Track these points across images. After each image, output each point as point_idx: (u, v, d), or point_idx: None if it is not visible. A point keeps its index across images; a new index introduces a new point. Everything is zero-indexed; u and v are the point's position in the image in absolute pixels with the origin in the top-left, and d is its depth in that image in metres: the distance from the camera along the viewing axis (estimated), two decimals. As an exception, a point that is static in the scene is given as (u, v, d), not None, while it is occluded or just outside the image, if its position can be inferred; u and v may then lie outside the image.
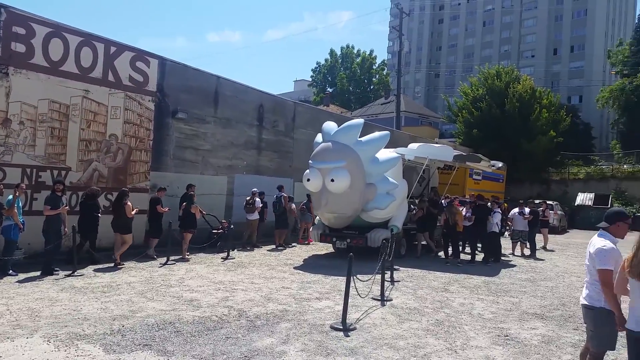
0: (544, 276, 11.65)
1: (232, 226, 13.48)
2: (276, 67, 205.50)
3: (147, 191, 13.16)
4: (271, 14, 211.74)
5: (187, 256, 12.08)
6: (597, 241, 4.30)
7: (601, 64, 66.95)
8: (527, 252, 15.63)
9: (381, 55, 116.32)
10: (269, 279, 9.76)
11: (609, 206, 28.01)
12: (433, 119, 55.95)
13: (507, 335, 6.41)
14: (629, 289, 3.83)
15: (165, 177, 13.76)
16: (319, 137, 13.17)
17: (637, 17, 56.11)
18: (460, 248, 14.43)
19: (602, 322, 4.21)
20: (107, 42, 12.53)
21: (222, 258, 12.23)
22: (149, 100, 13.45)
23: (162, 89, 13.81)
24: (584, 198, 31.96)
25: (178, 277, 9.59)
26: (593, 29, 70.33)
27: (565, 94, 64.87)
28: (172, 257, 11.49)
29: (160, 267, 10.74)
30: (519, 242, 15.79)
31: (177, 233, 12.27)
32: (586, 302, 4.35)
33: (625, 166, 36.11)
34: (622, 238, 4.36)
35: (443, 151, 14.23)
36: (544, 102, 34.28)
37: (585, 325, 4.58)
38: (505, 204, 19.59)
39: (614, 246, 4.18)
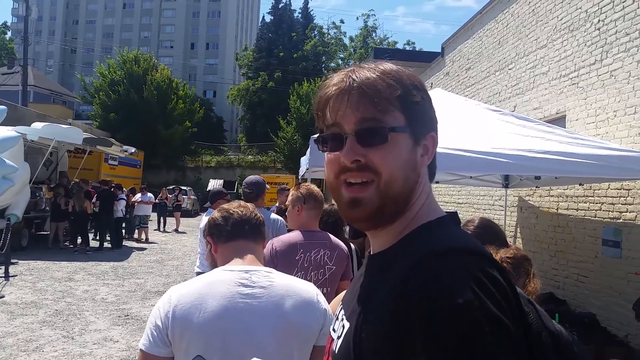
0: (172, 256, 12.46)
1: None
2: None
3: None
4: None
5: None
6: (206, 219, 4.96)
7: (232, 64, 74.62)
8: (146, 236, 15.58)
9: (4, 16, 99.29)
10: None
11: (234, 191, 31.74)
12: (68, 98, 51.55)
13: (127, 315, 6.67)
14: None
15: None
16: None
17: (258, 28, 65.08)
18: (92, 235, 13.94)
19: None
20: None
21: None
22: None
23: None
24: (214, 184, 35.24)
25: None
26: (225, 31, 77.80)
27: (202, 88, 69.93)
28: None
29: None
30: (141, 227, 15.55)
31: None
32: (199, 270, 4.99)
33: (249, 156, 41.73)
34: None
35: (72, 133, 13.34)
36: (181, 94, 36.21)
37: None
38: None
39: None
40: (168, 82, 35.44)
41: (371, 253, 0.91)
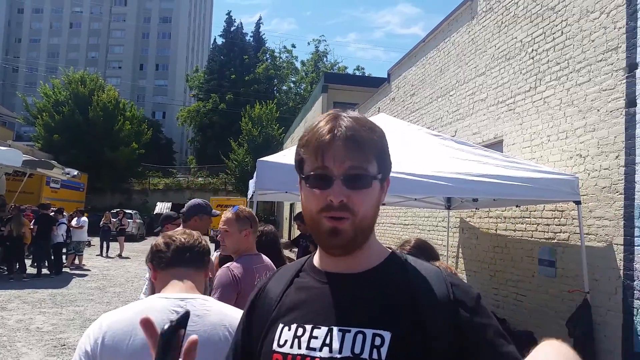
0: (114, 283, 11.99)
1: None
2: None
3: None
4: None
5: None
6: None
7: (182, 86, 73.70)
8: (79, 263, 14.65)
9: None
10: None
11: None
12: (8, 119, 49.17)
13: (64, 345, 6.34)
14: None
15: None
16: None
17: (209, 50, 64.82)
18: (30, 262, 13.25)
19: None
20: None
21: None
22: None
23: None
24: (162, 207, 34.36)
25: None
26: (176, 52, 77.02)
27: (150, 109, 68.67)
28: None
29: None
30: (74, 253, 14.50)
31: None
32: (144, 296, 4.81)
33: (199, 179, 41.00)
34: None
35: (10, 154, 12.71)
36: (128, 115, 35.42)
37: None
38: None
39: None
40: (115, 103, 34.62)
41: (334, 272, 1.00)
